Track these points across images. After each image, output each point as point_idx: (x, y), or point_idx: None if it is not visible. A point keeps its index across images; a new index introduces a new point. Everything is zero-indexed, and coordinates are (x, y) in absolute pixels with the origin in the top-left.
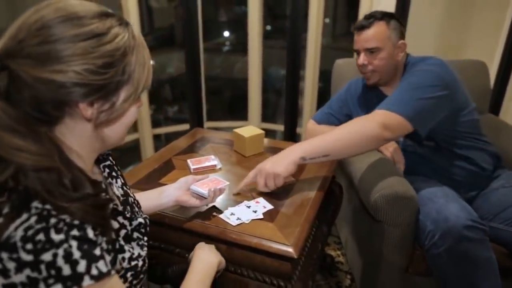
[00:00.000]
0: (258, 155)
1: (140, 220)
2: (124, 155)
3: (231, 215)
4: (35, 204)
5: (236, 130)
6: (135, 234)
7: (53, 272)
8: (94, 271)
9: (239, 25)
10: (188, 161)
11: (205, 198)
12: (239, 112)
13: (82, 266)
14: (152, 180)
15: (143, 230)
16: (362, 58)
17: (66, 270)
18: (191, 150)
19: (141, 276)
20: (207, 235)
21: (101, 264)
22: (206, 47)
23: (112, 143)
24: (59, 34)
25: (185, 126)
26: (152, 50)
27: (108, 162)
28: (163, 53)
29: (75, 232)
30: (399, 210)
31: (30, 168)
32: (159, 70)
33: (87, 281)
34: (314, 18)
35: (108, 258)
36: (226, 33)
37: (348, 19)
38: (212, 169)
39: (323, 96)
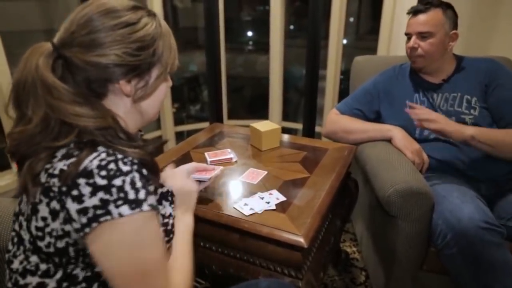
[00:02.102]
0: (274, 149)
1: (167, 188)
2: None
3: (244, 205)
4: (100, 147)
5: (253, 125)
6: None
7: (122, 195)
8: (150, 201)
9: (262, 24)
10: (206, 154)
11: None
12: (261, 110)
13: (142, 194)
14: None
15: (169, 198)
16: (413, 41)
17: (131, 195)
18: (209, 143)
19: (171, 235)
20: (220, 224)
21: (152, 199)
22: (229, 46)
23: (149, 116)
24: (101, 25)
25: (206, 124)
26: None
27: None
28: (186, 52)
29: (136, 167)
30: (413, 205)
31: (93, 128)
32: (183, 69)
33: (145, 206)
34: (336, 17)
35: (154, 197)
36: (250, 33)
37: (372, 18)
38: (228, 162)
39: (344, 95)
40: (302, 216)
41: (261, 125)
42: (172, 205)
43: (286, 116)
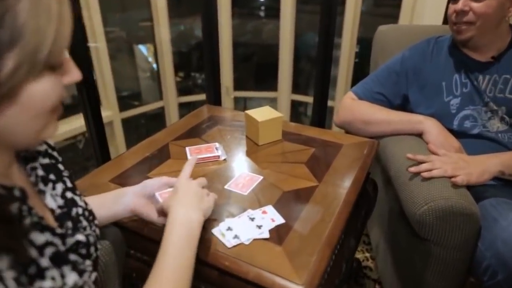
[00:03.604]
0: (274, 143)
1: (79, 237)
2: (150, 123)
3: (227, 230)
4: None
5: (249, 112)
6: (72, 256)
7: None
8: None
9: None
10: (187, 149)
11: None
12: (270, 81)
13: None
14: (139, 173)
15: (83, 251)
16: (462, 3)
17: None
18: (195, 133)
19: None
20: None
21: None
22: (238, 11)
23: (11, 141)
24: None
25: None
26: (182, 15)
27: (46, 160)
28: (192, 16)
29: None
30: (453, 229)
31: None
32: (188, 36)
33: None
34: None
35: None
36: None
37: None
38: (214, 161)
39: (360, 66)
40: (305, 251)
41: (259, 113)
42: (87, 262)
43: (297, 88)
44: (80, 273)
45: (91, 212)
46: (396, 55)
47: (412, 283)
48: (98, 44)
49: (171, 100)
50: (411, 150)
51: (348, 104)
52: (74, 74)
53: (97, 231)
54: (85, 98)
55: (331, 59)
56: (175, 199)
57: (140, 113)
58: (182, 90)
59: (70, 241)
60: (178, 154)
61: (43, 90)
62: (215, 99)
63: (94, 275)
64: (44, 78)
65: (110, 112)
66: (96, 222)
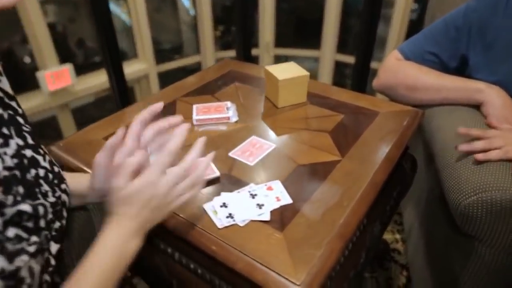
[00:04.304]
0: (296, 106)
1: (23, 207)
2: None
3: (221, 207)
4: None
5: (269, 68)
6: (12, 231)
7: None
8: None
9: None
10: (194, 106)
11: None
12: (314, 39)
13: None
14: None
15: (29, 224)
16: None
17: None
18: (208, 89)
19: None
20: (177, 236)
21: None
22: None
23: None
24: None
25: (254, 51)
26: None
27: None
28: None
29: None
30: (507, 226)
31: None
32: None
33: None
34: None
35: None
36: None
37: None
38: (224, 123)
39: (416, 25)
40: (311, 242)
41: (281, 69)
42: (33, 238)
43: (343, 48)
44: (10, 257)
45: (57, 175)
46: (458, 7)
47: (445, 280)
48: None
49: (208, 55)
50: (464, 124)
51: (392, 65)
52: None
53: (63, 197)
54: (106, 53)
55: (379, 15)
56: (124, 203)
57: (178, 66)
58: (223, 45)
59: (10, 211)
60: (184, 113)
61: None
62: (245, 55)
63: (56, 247)
64: None
65: (145, 64)
66: (63, 186)
